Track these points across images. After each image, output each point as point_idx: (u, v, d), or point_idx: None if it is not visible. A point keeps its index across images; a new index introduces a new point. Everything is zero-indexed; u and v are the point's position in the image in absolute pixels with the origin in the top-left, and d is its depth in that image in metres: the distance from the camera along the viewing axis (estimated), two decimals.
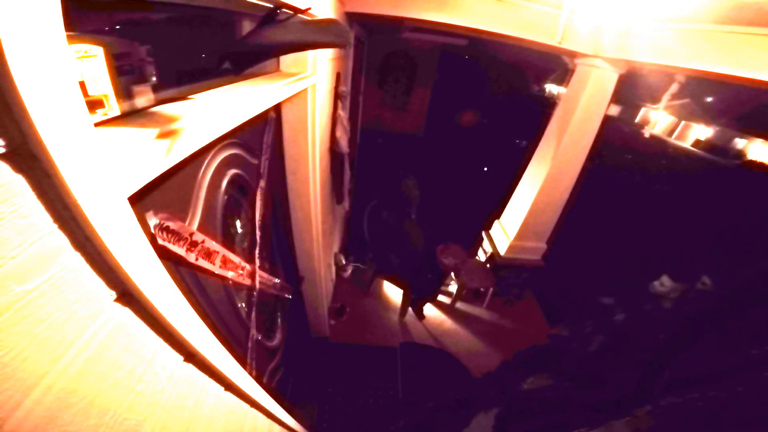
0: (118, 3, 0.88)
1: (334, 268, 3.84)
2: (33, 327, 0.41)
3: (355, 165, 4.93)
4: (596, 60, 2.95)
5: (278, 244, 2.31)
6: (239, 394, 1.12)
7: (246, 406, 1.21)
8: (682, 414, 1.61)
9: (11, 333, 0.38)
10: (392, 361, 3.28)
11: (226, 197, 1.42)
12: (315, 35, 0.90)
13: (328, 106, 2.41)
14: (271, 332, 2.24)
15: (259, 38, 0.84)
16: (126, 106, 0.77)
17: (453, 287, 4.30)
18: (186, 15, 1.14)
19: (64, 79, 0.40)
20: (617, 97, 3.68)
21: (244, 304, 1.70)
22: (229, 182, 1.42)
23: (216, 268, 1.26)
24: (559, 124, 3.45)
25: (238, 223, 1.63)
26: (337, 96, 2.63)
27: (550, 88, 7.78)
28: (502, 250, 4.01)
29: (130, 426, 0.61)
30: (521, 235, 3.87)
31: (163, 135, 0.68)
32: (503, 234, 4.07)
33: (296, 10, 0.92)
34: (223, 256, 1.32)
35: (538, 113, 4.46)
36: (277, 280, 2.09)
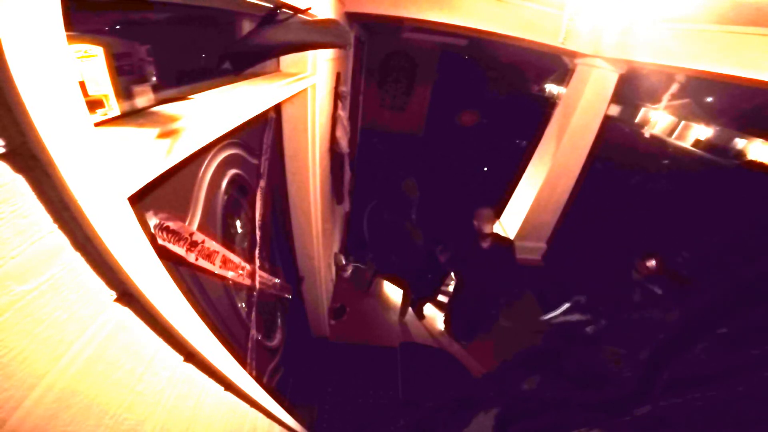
0: (118, 3, 0.88)
1: (334, 268, 3.84)
2: (33, 327, 0.41)
3: (355, 165, 4.92)
4: (596, 60, 2.95)
5: (278, 244, 2.31)
6: (239, 394, 1.12)
7: (246, 406, 1.21)
8: (682, 414, 1.61)
9: (11, 333, 0.38)
10: (392, 361, 3.28)
11: (226, 197, 1.42)
12: (315, 35, 0.90)
13: (328, 106, 2.41)
14: (271, 332, 2.24)
15: (259, 38, 0.84)
16: (126, 106, 0.77)
17: (453, 287, 4.29)
18: (186, 15, 1.14)
19: (64, 79, 0.40)
20: (617, 97, 3.69)
21: (244, 304, 1.70)
22: (229, 182, 1.42)
23: (216, 268, 1.26)
24: (559, 124, 3.45)
25: (238, 223, 1.63)
26: (337, 96, 2.63)
27: (550, 88, 7.78)
28: None
29: (130, 426, 0.61)
30: (521, 235, 3.87)
31: (163, 135, 0.68)
32: (503, 234, 4.07)
33: (296, 10, 0.92)
34: (223, 256, 1.32)
35: (538, 113, 4.45)
36: (277, 280, 2.09)
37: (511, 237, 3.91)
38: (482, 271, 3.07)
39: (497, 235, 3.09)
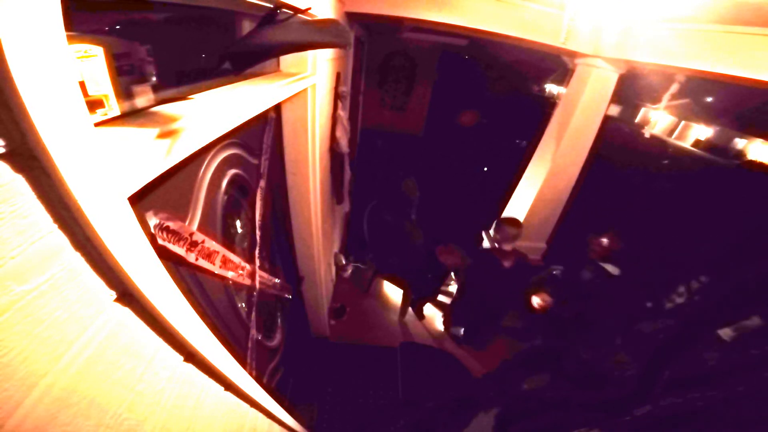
0: (118, 3, 0.88)
1: (334, 268, 3.84)
2: (33, 327, 0.41)
3: (355, 165, 4.92)
4: (596, 60, 2.95)
5: (278, 244, 2.31)
6: (239, 394, 1.12)
7: (246, 406, 1.21)
8: (682, 414, 1.61)
9: (11, 333, 0.38)
10: (392, 361, 3.28)
11: (226, 197, 1.42)
12: (315, 35, 0.90)
13: (328, 106, 2.41)
14: (271, 332, 2.24)
15: (259, 38, 0.84)
16: (126, 106, 0.77)
17: (453, 287, 4.29)
18: (186, 15, 1.14)
19: (64, 79, 0.40)
20: (617, 97, 3.69)
21: (244, 304, 1.70)
22: (229, 182, 1.42)
23: (216, 268, 1.26)
24: (559, 124, 3.45)
25: (238, 223, 1.63)
26: (337, 96, 2.63)
27: (550, 88, 7.77)
28: None
29: (130, 426, 0.61)
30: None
31: (163, 135, 0.68)
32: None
33: (296, 10, 0.92)
34: (223, 256, 1.32)
35: (538, 113, 4.45)
36: (277, 280, 2.09)
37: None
38: (496, 288, 2.88)
39: (518, 252, 2.88)
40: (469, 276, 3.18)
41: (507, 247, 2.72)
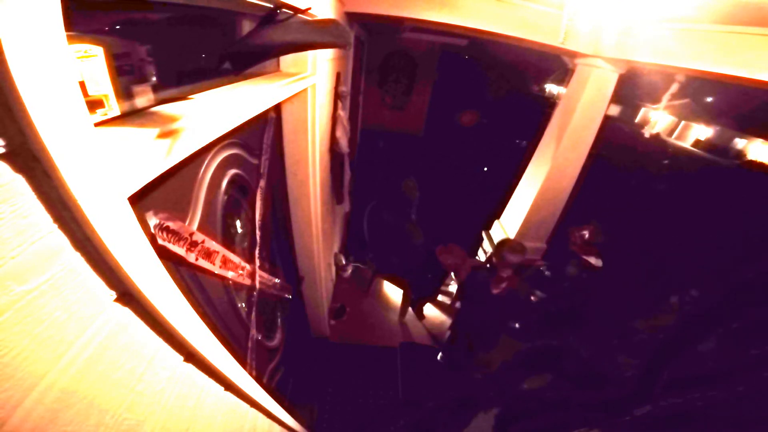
0: (118, 3, 0.88)
1: (334, 268, 3.84)
2: (33, 327, 0.41)
3: (355, 165, 4.93)
4: (596, 60, 2.95)
5: (278, 244, 2.31)
6: (239, 394, 1.12)
7: (246, 406, 1.21)
8: (682, 414, 1.61)
9: (11, 333, 0.38)
10: (392, 361, 3.28)
11: (226, 197, 1.42)
12: (315, 35, 0.90)
13: (328, 106, 2.41)
14: (271, 332, 2.24)
15: (259, 38, 0.84)
16: (126, 106, 0.77)
17: (453, 287, 4.29)
18: (186, 15, 1.14)
19: (64, 79, 0.40)
20: (617, 97, 3.68)
21: (244, 304, 1.70)
22: (229, 182, 1.43)
23: (216, 268, 1.26)
24: (559, 124, 3.45)
25: (238, 223, 1.63)
26: (337, 96, 2.63)
27: (550, 88, 7.77)
28: None
29: (130, 426, 0.61)
30: (521, 235, 3.86)
31: (163, 135, 0.68)
32: (503, 234, 4.07)
33: (296, 10, 0.92)
34: (223, 256, 1.32)
35: (538, 113, 4.46)
36: (277, 280, 2.09)
37: (511, 237, 3.89)
38: (483, 312, 2.68)
39: (517, 276, 2.59)
40: (465, 291, 3.01)
41: (504, 273, 2.50)
